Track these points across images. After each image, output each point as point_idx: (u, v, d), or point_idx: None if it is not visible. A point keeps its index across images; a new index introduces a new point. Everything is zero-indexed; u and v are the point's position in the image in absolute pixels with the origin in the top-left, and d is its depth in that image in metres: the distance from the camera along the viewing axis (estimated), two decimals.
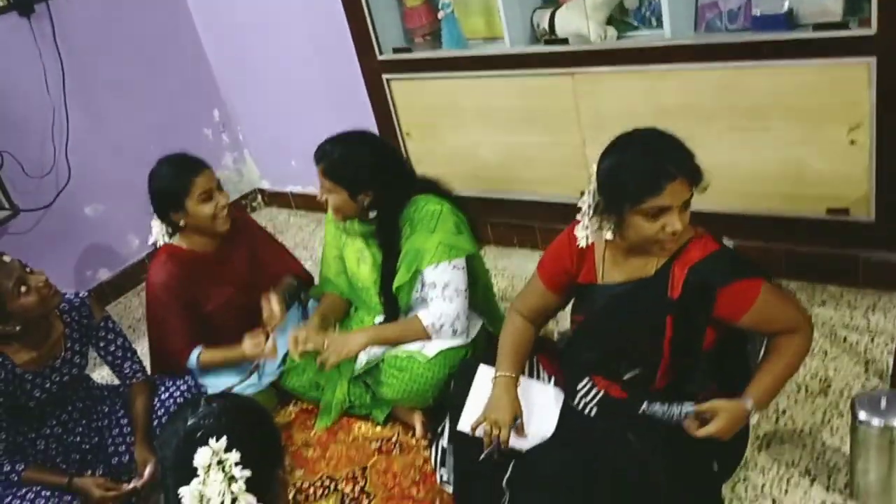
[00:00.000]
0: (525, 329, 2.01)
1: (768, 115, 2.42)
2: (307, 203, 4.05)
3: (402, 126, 3.24)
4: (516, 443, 1.86)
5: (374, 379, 2.35)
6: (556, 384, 1.98)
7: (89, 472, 2.20)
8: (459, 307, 2.27)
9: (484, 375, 1.98)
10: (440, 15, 2.93)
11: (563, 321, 2.23)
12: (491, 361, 1.99)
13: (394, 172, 2.30)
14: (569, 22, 2.69)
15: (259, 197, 4.28)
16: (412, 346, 2.32)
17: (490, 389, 1.92)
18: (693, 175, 1.65)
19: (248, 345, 2.40)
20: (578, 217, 1.83)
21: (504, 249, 3.24)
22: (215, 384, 2.47)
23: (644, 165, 1.64)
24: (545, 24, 2.78)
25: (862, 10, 2.21)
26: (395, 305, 2.37)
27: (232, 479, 1.16)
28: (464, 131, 3.09)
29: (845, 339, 2.37)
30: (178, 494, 1.16)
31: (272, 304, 2.44)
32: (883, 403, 1.74)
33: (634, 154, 1.66)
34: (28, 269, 2.04)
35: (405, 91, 3.16)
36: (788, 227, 2.55)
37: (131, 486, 2.13)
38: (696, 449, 1.78)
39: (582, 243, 1.83)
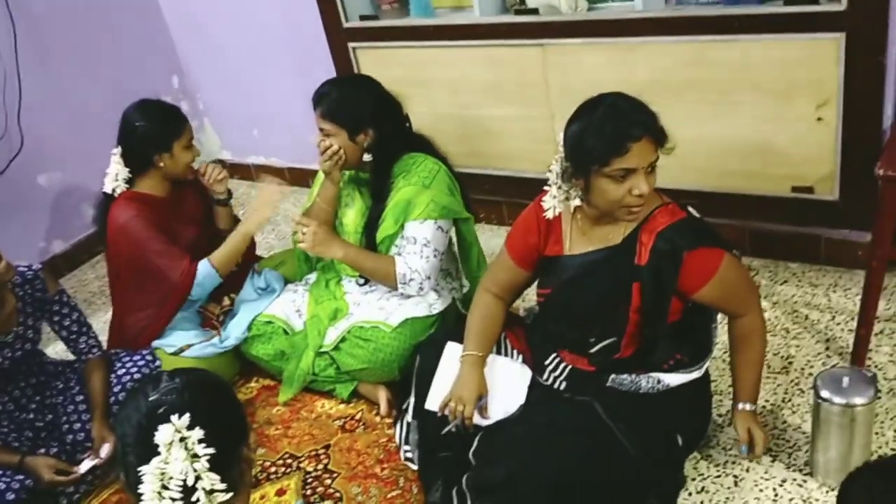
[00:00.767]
0: (494, 307, 1.99)
1: (737, 91, 2.41)
2: (269, 175, 3.96)
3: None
4: (481, 421, 1.85)
5: (338, 351, 2.31)
6: (524, 361, 1.97)
7: (43, 450, 2.14)
8: (432, 268, 2.26)
9: (452, 353, 1.97)
10: None
11: (528, 298, 2.21)
12: (460, 338, 1.97)
13: (392, 114, 2.30)
14: None
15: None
16: (377, 316, 2.30)
17: (458, 367, 1.91)
18: (658, 136, 1.65)
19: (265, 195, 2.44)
20: (546, 188, 1.81)
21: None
22: (174, 343, 2.43)
23: (609, 127, 1.63)
24: None
25: None
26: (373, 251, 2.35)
27: (195, 457, 1.12)
28: (431, 103, 3.03)
29: (807, 318, 2.39)
30: (138, 473, 1.12)
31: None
32: (844, 382, 1.75)
33: (600, 117, 1.65)
34: None
35: (371, 60, 3.09)
36: (753, 204, 2.56)
37: (83, 469, 2.10)
38: (661, 422, 1.80)
39: (549, 214, 1.81)
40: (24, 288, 2.13)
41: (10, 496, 1.98)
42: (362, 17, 3.01)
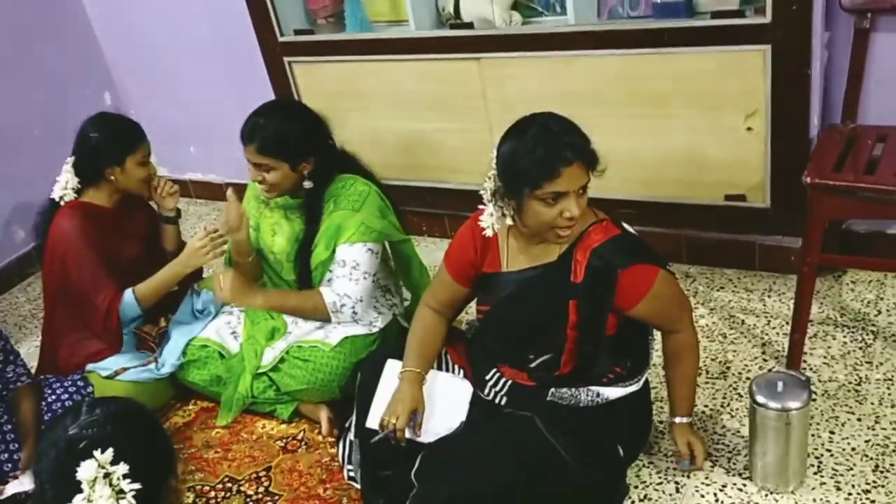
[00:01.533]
0: (434, 324, 1.98)
1: (670, 103, 2.45)
2: (208, 192, 3.89)
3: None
4: (414, 436, 1.84)
5: (277, 372, 2.26)
6: (465, 376, 1.96)
7: None
8: (364, 291, 2.23)
9: (392, 370, 1.94)
10: None
11: (471, 311, 2.20)
12: (400, 355, 1.95)
13: (327, 138, 2.29)
14: (474, 6, 2.66)
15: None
16: (315, 335, 2.26)
17: (397, 384, 1.89)
18: (589, 159, 1.66)
19: (196, 243, 2.33)
20: (481, 205, 1.81)
21: (412, 238, 3.19)
22: (109, 367, 2.36)
23: (540, 151, 1.63)
24: (450, 8, 2.73)
25: None
26: (308, 281, 2.31)
27: (120, 493, 1.08)
28: (369, 117, 3.01)
29: (743, 323, 2.43)
30: None
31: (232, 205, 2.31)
32: (779, 386, 1.78)
33: (531, 139, 1.65)
34: None
35: (308, 75, 3.06)
36: (688, 213, 2.60)
37: (7, 492, 2.00)
38: (602, 435, 1.80)
39: (489, 232, 1.81)
40: None
41: None
42: (297, 32, 2.98)
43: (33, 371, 2.46)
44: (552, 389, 1.83)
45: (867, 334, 2.29)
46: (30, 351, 2.95)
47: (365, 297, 2.24)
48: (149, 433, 1.21)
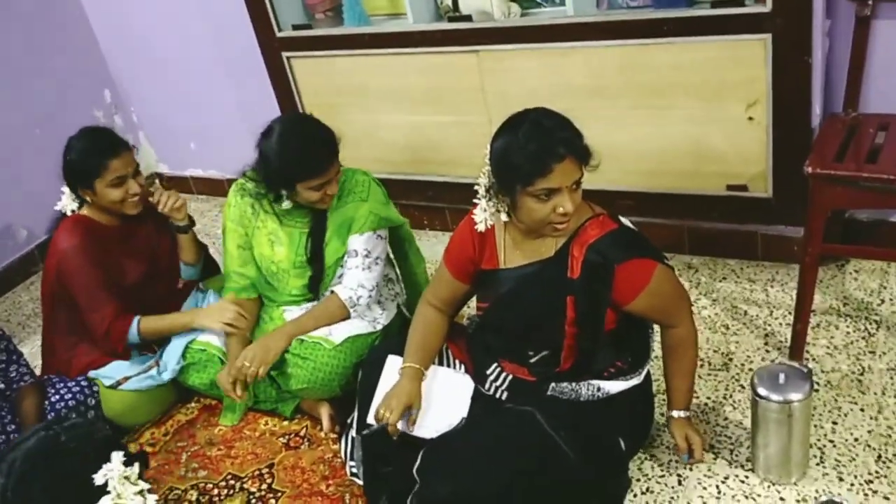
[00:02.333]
0: (435, 320, 1.99)
1: (670, 93, 2.43)
2: (209, 188, 3.89)
3: (304, 106, 3.13)
4: (408, 430, 1.83)
5: (278, 371, 2.26)
6: (466, 371, 1.96)
7: None
8: (376, 276, 2.28)
9: (393, 366, 1.95)
10: None
11: (473, 304, 2.20)
12: (401, 350, 1.95)
13: None
14: None
15: (157, 182, 4.08)
16: (318, 332, 2.25)
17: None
18: (582, 155, 1.65)
19: (222, 314, 2.29)
20: (476, 200, 1.81)
21: (415, 232, 3.16)
22: (110, 375, 2.34)
23: (532, 147, 1.62)
24: (449, 1, 2.71)
25: None
26: (319, 283, 2.31)
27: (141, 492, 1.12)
28: (369, 112, 3.00)
29: (745, 313, 2.42)
30: None
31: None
32: (781, 378, 1.77)
33: (523, 136, 1.64)
34: None
35: (306, 70, 3.05)
36: (690, 203, 2.59)
37: None
38: (603, 428, 1.80)
39: (481, 227, 1.81)
40: None
41: None
42: (295, 27, 2.97)
43: (37, 370, 2.47)
44: (553, 384, 1.82)
45: (870, 324, 2.28)
46: (33, 350, 2.96)
47: (379, 282, 2.29)
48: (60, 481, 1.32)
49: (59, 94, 3.59)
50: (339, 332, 2.25)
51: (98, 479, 1.47)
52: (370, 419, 1.89)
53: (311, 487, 2.10)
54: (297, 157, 2.11)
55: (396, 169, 3.06)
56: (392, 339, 2.25)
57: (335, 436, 2.24)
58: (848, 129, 2.13)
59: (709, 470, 1.93)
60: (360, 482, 2.04)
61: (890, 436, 1.92)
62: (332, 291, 2.28)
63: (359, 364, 2.16)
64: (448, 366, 1.98)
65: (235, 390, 2.18)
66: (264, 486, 2.14)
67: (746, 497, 1.85)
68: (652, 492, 1.91)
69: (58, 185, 2.36)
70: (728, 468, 1.93)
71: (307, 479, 2.13)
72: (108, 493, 1.31)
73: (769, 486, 1.86)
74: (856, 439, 1.93)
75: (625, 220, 1.80)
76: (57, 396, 2.26)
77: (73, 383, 2.30)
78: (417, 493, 1.75)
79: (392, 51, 2.82)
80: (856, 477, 1.84)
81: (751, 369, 2.20)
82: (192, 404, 2.49)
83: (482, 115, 2.76)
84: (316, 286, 2.33)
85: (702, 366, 2.25)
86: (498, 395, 1.89)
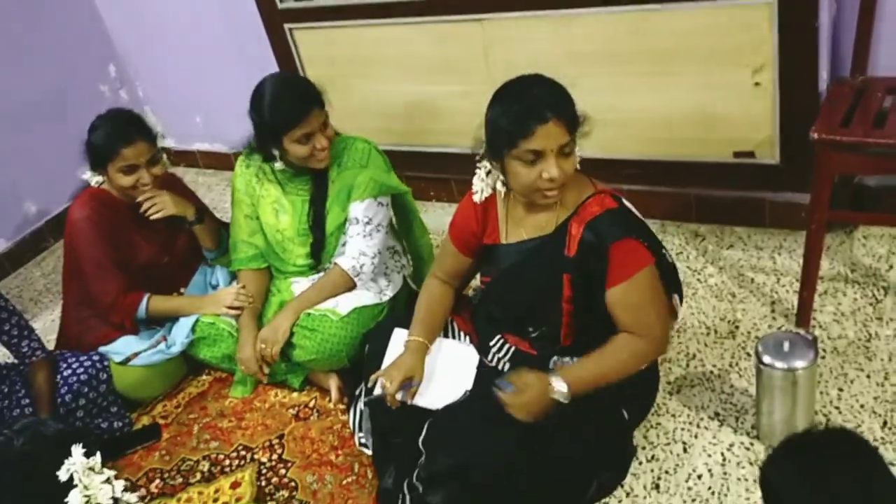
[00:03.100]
0: (441, 294, 2.00)
1: (677, 59, 2.40)
2: (216, 161, 3.89)
3: (309, 78, 3.11)
4: (406, 399, 1.84)
5: (286, 343, 2.28)
6: (471, 342, 1.97)
7: None
8: (378, 243, 2.28)
9: (399, 338, 1.96)
10: None
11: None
12: (408, 324, 1.96)
13: None
14: None
15: (164, 156, 4.08)
16: (326, 304, 2.27)
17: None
18: (569, 119, 1.63)
19: (225, 298, 2.33)
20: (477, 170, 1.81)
21: (421, 204, 3.18)
22: (120, 351, 2.37)
23: (516, 108, 1.62)
24: None
25: None
26: (322, 251, 2.32)
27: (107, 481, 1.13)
28: (373, 82, 2.98)
29: (752, 281, 2.42)
30: None
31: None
32: (786, 346, 1.78)
33: (510, 99, 1.65)
34: None
35: (309, 41, 3.03)
36: (697, 171, 2.57)
37: None
38: (606, 399, 1.80)
39: (477, 198, 1.81)
40: None
41: None
42: None
43: (53, 344, 2.51)
44: (554, 357, 1.83)
45: (878, 290, 2.27)
46: (46, 325, 3.00)
47: (381, 249, 2.29)
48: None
49: (65, 70, 3.58)
50: (345, 304, 2.26)
51: (62, 474, 1.48)
52: (376, 390, 1.91)
53: (321, 457, 2.13)
54: (273, 106, 2.15)
55: (402, 140, 3.05)
56: (399, 312, 2.27)
57: (344, 407, 2.26)
58: (855, 93, 2.10)
59: (714, 437, 1.95)
60: (369, 452, 2.07)
61: None
62: (335, 263, 2.29)
63: (366, 335, 2.18)
64: (454, 338, 1.99)
65: (262, 370, 2.26)
66: (275, 457, 2.17)
67: (751, 464, 1.86)
68: (657, 459, 1.93)
69: (66, 161, 2.38)
70: (733, 435, 1.94)
71: (317, 450, 2.16)
72: (76, 486, 1.33)
73: None
74: (861, 406, 1.94)
75: (628, 204, 1.78)
76: (69, 371, 2.28)
77: (85, 358, 2.33)
78: (422, 467, 1.78)
79: (395, 20, 2.80)
80: None
81: (757, 337, 2.19)
82: (204, 377, 2.52)
83: (486, 85, 2.69)
84: (318, 254, 2.34)
85: (707, 334, 2.25)
86: (500, 367, 1.90)
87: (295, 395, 2.37)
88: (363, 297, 2.29)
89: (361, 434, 2.10)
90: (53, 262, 3.45)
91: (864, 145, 1.91)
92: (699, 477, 1.86)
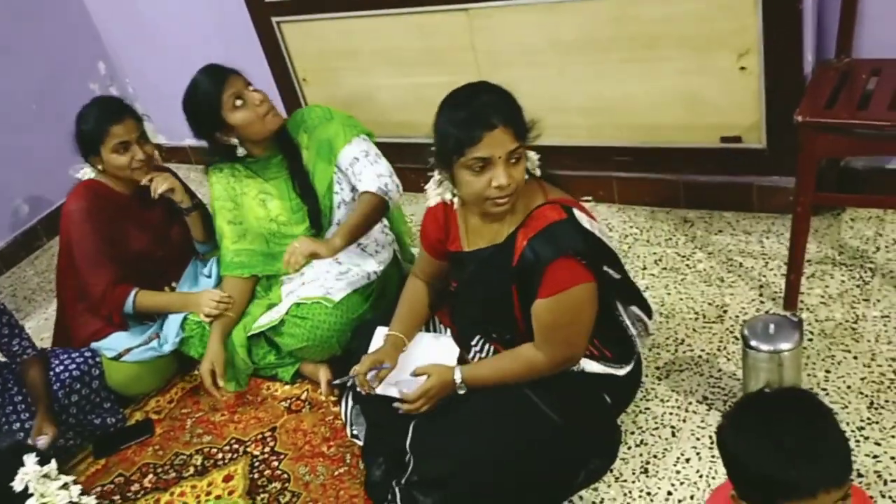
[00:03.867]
0: (421, 291, 2.03)
1: (662, 45, 2.40)
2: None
3: (297, 71, 3.12)
4: (374, 384, 1.86)
5: (278, 333, 2.28)
6: (452, 334, 1.98)
7: None
8: (387, 165, 2.30)
9: (380, 336, 1.99)
10: None
11: None
12: (389, 322, 1.99)
13: None
14: None
15: (155, 153, 4.08)
16: (318, 292, 2.27)
17: None
18: (516, 126, 1.61)
19: (207, 301, 2.33)
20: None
21: (411, 195, 3.18)
22: (112, 347, 2.38)
23: (462, 115, 1.61)
24: None
25: None
26: (320, 216, 2.34)
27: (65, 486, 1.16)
28: (362, 75, 2.98)
29: (741, 265, 2.42)
30: None
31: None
32: (771, 329, 1.79)
33: (457, 106, 1.64)
34: None
35: (297, 34, 3.02)
36: (684, 157, 2.58)
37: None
38: (586, 386, 1.81)
39: (430, 202, 1.81)
40: None
41: None
42: None
43: (47, 342, 2.52)
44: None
45: (865, 272, 2.28)
46: (39, 324, 3.01)
47: (392, 170, 2.30)
48: None
49: (54, 68, 3.58)
50: (338, 291, 2.28)
51: (17, 485, 1.49)
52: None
53: (313, 449, 2.14)
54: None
55: (392, 132, 3.04)
56: (391, 294, 2.30)
57: (335, 399, 2.27)
58: (840, 75, 2.10)
59: (702, 421, 1.96)
60: (361, 443, 2.08)
61: (882, 382, 1.93)
62: (361, 192, 2.23)
63: (355, 321, 2.21)
64: (434, 331, 2.01)
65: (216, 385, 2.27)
66: (267, 450, 2.18)
67: None
68: (646, 444, 1.93)
69: (58, 158, 2.39)
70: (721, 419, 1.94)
71: (309, 441, 2.17)
72: (31, 495, 1.35)
73: None
74: (848, 387, 1.95)
75: (581, 214, 1.71)
76: (61, 367, 2.29)
77: (77, 354, 2.34)
78: (415, 472, 1.79)
79: (381, 11, 2.79)
80: (848, 424, 1.85)
81: (745, 321, 2.20)
82: (195, 371, 2.52)
83: (474, 75, 2.74)
84: (317, 219, 2.34)
85: (696, 319, 2.26)
86: None
87: (287, 388, 2.37)
88: (353, 280, 2.30)
89: (354, 427, 2.11)
90: (46, 260, 3.45)
91: (848, 127, 1.91)
92: (687, 461, 1.87)
